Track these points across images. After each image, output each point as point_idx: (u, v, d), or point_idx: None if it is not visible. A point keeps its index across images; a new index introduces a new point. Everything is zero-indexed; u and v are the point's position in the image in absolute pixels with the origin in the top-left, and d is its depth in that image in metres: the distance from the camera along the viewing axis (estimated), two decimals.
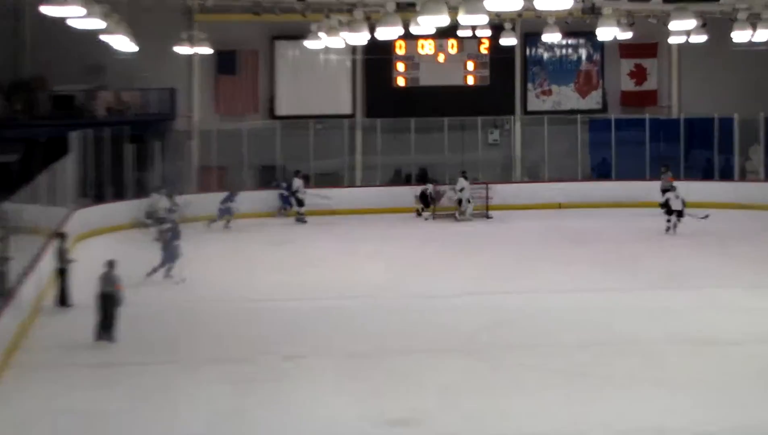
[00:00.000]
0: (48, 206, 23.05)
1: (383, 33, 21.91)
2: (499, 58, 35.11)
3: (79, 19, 18.18)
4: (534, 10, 21.30)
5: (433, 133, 34.47)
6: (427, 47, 35.44)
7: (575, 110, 35.71)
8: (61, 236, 20.27)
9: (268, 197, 31.86)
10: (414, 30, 23.31)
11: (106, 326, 16.72)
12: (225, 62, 34.38)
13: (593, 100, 36.33)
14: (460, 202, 30.90)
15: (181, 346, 16.86)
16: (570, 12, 27.30)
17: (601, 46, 35.78)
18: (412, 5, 22.94)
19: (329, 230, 29.43)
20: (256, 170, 33.61)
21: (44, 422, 13.50)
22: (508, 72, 35.78)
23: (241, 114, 34.69)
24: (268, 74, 35.12)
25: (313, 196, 31.15)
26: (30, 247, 19.54)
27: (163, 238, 22.14)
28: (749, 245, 26.14)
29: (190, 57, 32.81)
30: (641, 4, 27.59)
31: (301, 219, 30.80)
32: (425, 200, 31.48)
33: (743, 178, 34.07)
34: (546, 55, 36.38)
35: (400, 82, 35.52)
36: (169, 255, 21.63)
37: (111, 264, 17.07)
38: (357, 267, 23.63)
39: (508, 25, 30.37)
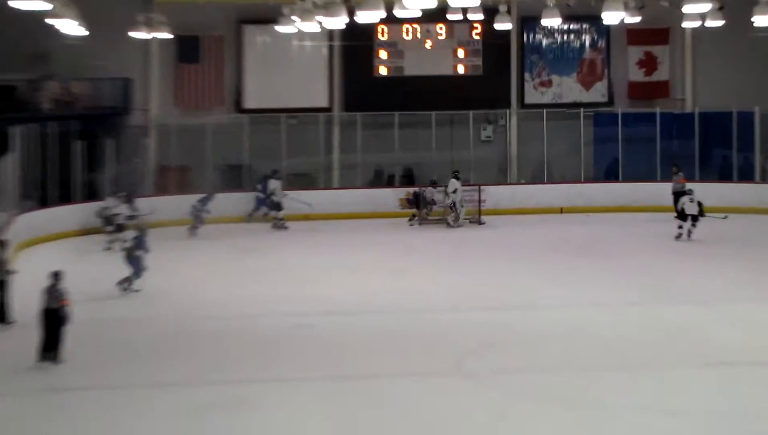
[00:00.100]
0: None
1: (363, 16, 21.91)
2: (493, 44, 35.23)
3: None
4: None
5: (419, 129, 34.55)
6: (412, 32, 35.51)
7: (578, 103, 35.84)
8: (0, 244, 20.14)
9: (238, 200, 31.77)
10: (398, 13, 23.27)
11: (50, 346, 16.58)
12: (186, 49, 34.39)
13: (598, 93, 36.42)
14: (452, 206, 30.86)
15: (135, 369, 16.75)
16: None
17: (606, 32, 35.92)
18: None
19: (304, 237, 29.38)
20: (221, 170, 33.58)
21: None
22: (502, 60, 35.86)
23: (205, 107, 34.68)
24: (235, 63, 35.12)
25: (292, 201, 31.08)
26: None
27: (129, 248, 22.03)
28: None
29: (147, 43, 32.79)
30: None
31: (280, 225, 30.73)
32: (421, 203, 31.34)
33: (765, 179, 34.22)
34: (545, 42, 36.49)
35: (383, 71, 35.55)
36: (136, 265, 21.59)
37: (56, 276, 16.94)
38: (336, 279, 23.56)
39: (503, 8, 30.43)
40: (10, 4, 18.79)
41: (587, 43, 36.59)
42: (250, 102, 35.12)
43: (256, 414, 14.50)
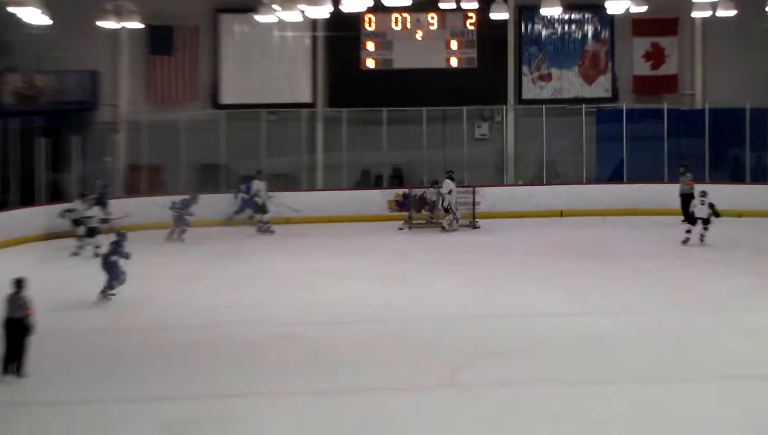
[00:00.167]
0: None
1: (349, 4, 22.02)
2: (489, 35, 35.37)
3: None
4: None
5: (409, 126, 34.66)
6: (401, 22, 35.64)
7: (579, 99, 35.97)
8: None
9: (215, 202, 31.75)
10: (386, 1, 23.41)
11: (12, 358, 16.59)
12: (159, 40, 34.47)
13: (601, 87, 36.57)
14: (446, 209, 30.96)
15: (106, 383, 16.72)
16: None
17: (610, 22, 36.11)
18: None
19: (286, 242, 29.49)
20: (196, 170, 33.63)
21: None
22: (499, 53, 36.00)
23: (178, 103, 34.74)
24: (211, 55, 35.20)
25: (279, 206, 31.08)
26: None
27: (105, 254, 22.07)
28: None
29: (116, 33, 32.83)
30: None
31: (266, 228, 30.79)
32: (419, 205, 31.35)
33: None
34: (545, 33, 36.64)
35: (370, 64, 35.67)
36: (112, 271, 21.65)
37: (19, 283, 16.93)
38: (323, 286, 23.62)
39: None
40: None
41: (590, 34, 36.72)
42: (227, 97, 35.20)
43: (235, 431, 14.50)
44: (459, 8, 31.99)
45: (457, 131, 35.11)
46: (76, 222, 27.44)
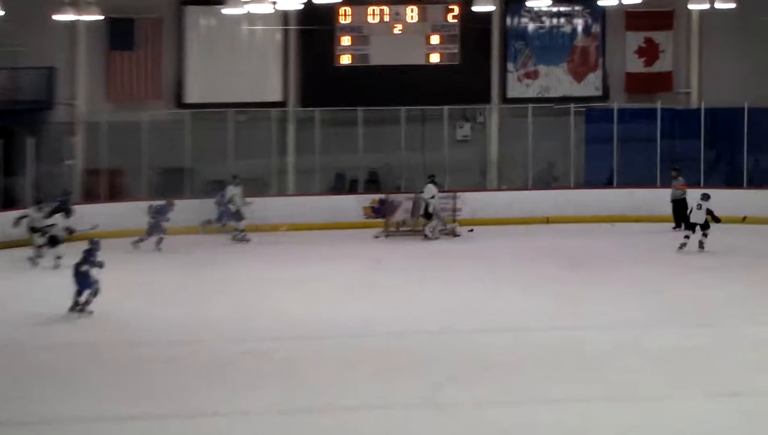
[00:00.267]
0: None
1: None
2: (472, 29, 35.39)
3: None
4: None
5: (387, 127, 34.70)
6: (379, 15, 35.63)
7: (567, 98, 36.10)
8: None
9: (183, 208, 31.61)
10: None
11: None
12: (119, 34, 34.35)
13: (591, 85, 36.73)
14: (428, 215, 31.14)
15: (63, 401, 16.62)
16: None
17: (601, 16, 36.28)
18: None
19: (256, 250, 29.62)
20: (159, 174, 33.67)
21: None
22: (482, 48, 36.09)
23: (140, 101, 34.68)
24: (175, 50, 35.12)
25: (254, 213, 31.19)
26: None
27: (76, 264, 22.14)
28: None
29: (73, 27, 32.77)
30: None
31: (241, 237, 30.83)
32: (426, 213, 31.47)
33: None
34: (531, 27, 36.73)
35: (345, 60, 35.67)
36: (83, 282, 21.77)
37: None
38: (293, 298, 23.73)
39: None
40: None
41: (579, 28, 36.82)
42: (193, 95, 35.15)
43: None
44: (440, 0, 32.11)
45: (438, 132, 35.14)
46: (34, 229, 27.26)
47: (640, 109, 35.71)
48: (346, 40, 35.60)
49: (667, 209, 31.19)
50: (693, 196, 29.85)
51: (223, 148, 33.81)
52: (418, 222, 31.38)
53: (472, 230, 31.68)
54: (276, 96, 35.54)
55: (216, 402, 16.54)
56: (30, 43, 32.44)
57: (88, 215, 28.84)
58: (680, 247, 27.85)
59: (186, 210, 31.55)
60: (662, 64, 36.77)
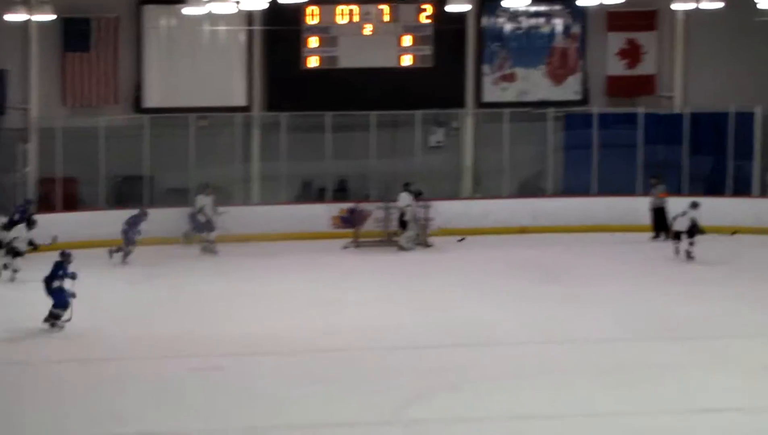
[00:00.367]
0: None
1: None
2: (446, 30, 35.31)
3: None
4: None
5: (356, 133, 34.67)
6: (348, 15, 35.54)
7: (546, 102, 36.22)
8: None
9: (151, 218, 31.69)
10: None
11: None
12: (74, 35, 34.17)
13: (570, 89, 36.78)
14: (403, 224, 31.41)
15: (8, 420, 16.86)
16: None
17: (582, 16, 36.31)
18: None
19: (216, 263, 29.86)
20: (117, 182, 33.81)
21: None
22: (457, 50, 36.09)
23: (97, 106, 34.53)
24: (134, 52, 34.94)
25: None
26: None
27: (47, 278, 22.38)
28: None
29: (25, 27, 32.69)
30: None
31: (209, 248, 30.99)
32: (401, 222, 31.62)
33: (766, 193, 34.87)
34: (508, 28, 36.67)
35: (312, 62, 35.58)
36: (59, 296, 22.05)
37: None
38: (255, 313, 23.94)
39: None
40: None
41: (559, 29, 36.77)
42: (152, 100, 35.02)
43: None
44: (413, 0, 32.16)
45: (410, 139, 35.15)
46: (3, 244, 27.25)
47: (622, 114, 35.86)
48: (313, 42, 35.43)
49: (648, 218, 31.53)
50: (674, 204, 30.27)
51: (185, 155, 33.70)
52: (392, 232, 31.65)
53: (462, 239, 31.97)
54: (240, 100, 35.52)
55: (167, 422, 16.69)
56: None
57: (43, 225, 28.92)
58: (677, 253, 28.27)
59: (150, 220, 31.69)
60: (645, 67, 36.79)
